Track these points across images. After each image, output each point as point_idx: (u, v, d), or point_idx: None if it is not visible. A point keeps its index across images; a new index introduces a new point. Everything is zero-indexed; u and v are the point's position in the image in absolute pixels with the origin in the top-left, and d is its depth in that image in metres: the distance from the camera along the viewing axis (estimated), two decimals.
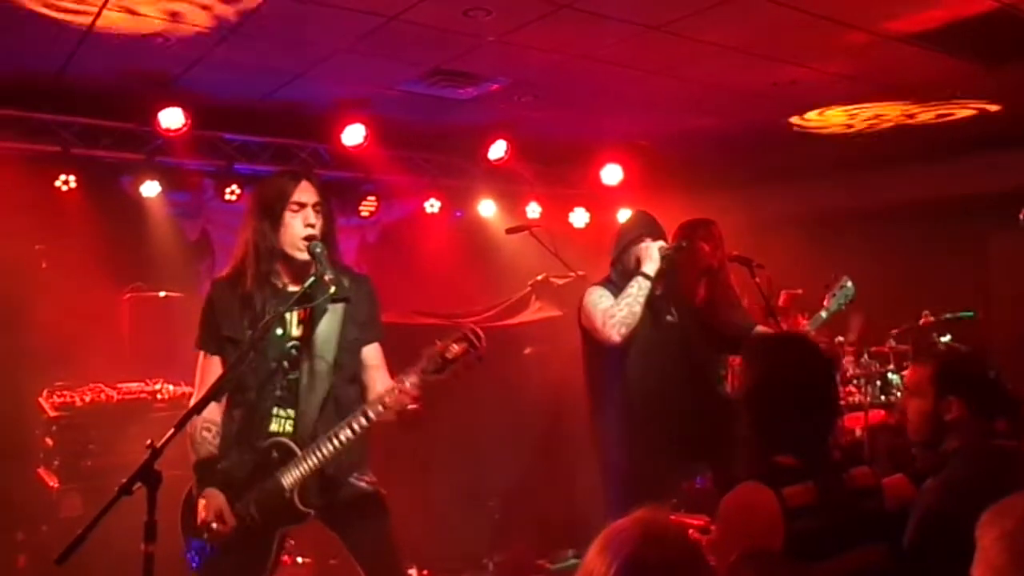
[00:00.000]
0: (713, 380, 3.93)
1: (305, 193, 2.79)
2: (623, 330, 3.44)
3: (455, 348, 2.73)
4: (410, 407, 2.71)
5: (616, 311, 3.46)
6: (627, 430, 3.55)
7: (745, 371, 2.37)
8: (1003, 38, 4.64)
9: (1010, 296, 6.43)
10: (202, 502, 2.71)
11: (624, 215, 3.85)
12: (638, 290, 3.47)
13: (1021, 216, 6.50)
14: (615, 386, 3.59)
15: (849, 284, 3.74)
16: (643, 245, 3.61)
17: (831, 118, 6.13)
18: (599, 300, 3.56)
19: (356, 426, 2.72)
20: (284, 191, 2.78)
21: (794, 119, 6.16)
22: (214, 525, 2.68)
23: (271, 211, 2.78)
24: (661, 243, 3.63)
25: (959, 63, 5.04)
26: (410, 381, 2.72)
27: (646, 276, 3.51)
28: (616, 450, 3.59)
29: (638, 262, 3.59)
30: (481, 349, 2.75)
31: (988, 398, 2.44)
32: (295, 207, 2.77)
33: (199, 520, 2.70)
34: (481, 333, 2.77)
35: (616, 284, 3.63)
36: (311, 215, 2.78)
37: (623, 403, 3.57)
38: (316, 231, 2.79)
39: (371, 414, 2.72)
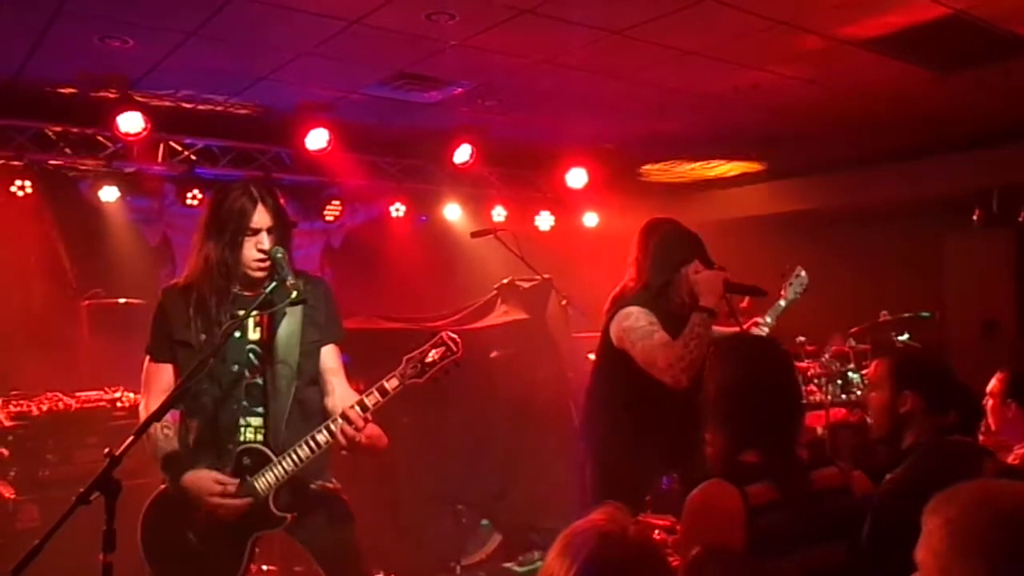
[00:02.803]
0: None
1: (261, 218, 2.76)
2: (692, 372, 3.10)
3: (434, 353, 2.79)
4: (358, 440, 2.69)
5: (685, 353, 3.14)
6: (631, 437, 3.46)
7: (713, 372, 2.39)
8: (954, 45, 4.75)
9: (964, 296, 6.58)
10: (191, 489, 2.65)
11: (660, 227, 3.58)
12: (703, 328, 3.17)
13: (975, 218, 6.71)
14: (631, 399, 3.45)
15: (803, 274, 3.74)
16: (702, 274, 3.32)
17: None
18: (652, 329, 3.28)
19: (334, 429, 2.72)
20: (243, 216, 2.74)
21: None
22: (222, 492, 2.64)
23: (230, 234, 2.76)
24: (724, 275, 3.31)
25: (912, 68, 5.15)
26: (391, 385, 2.75)
27: (711, 313, 3.20)
28: (619, 460, 3.48)
29: (692, 288, 3.32)
30: (459, 353, 2.81)
31: (942, 392, 2.51)
32: (250, 232, 2.76)
33: (207, 502, 2.64)
34: (458, 338, 2.83)
35: (657, 303, 3.38)
36: (264, 240, 2.77)
37: (634, 415, 3.46)
38: (267, 255, 2.78)
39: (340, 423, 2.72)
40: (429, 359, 2.78)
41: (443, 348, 2.79)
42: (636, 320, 3.34)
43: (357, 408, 2.71)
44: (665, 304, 3.40)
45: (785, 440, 2.28)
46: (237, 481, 2.70)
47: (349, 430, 2.67)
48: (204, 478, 2.68)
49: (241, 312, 2.73)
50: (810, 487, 2.23)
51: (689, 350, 3.15)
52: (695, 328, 3.18)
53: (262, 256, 2.75)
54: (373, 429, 2.77)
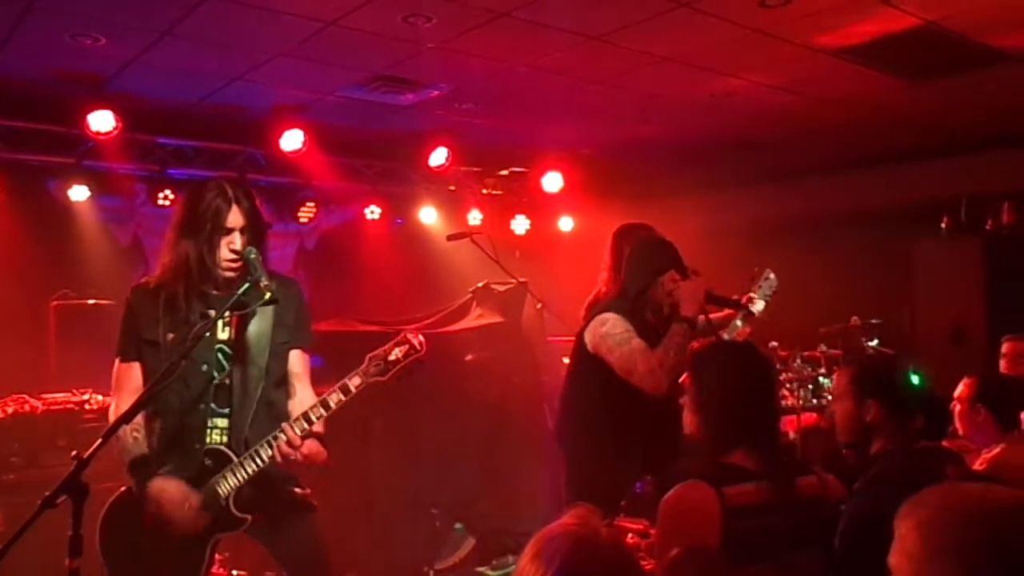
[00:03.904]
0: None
1: (235, 218, 2.75)
2: (672, 377, 3.14)
3: (397, 352, 2.80)
4: (294, 458, 2.68)
5: (666, 359, 3.15)
6: (606, 442, 3.45)
7: (695, 379, 2.40)
8: (926, 55, 4.83)
9: (934, 302, 6.67)
10: (157, 497, 2.62)
11: (635, 234, 3.64)
12: (683, 338, 3.17)
13: (943, 225, 6.81)
14: (606, 405, 3.44)
15: (772, 276, 3.67)
16: (684, 284, 3.32)
17: None
18: (630, 335, 3.28)
19: (298, 431, 2.70)
20: (218, 215, 2.73)
21: None
22: (183, 511, 2.62)
23: (206, 233, 2.74)
24: (705, 285, 3.34)
25: (884, 77, 5.22)
26: (354, 384, 2.75)
27: (690, 323, 3.21)
28: (595, 464, 3.47)
29: (669, 297, 3.34)
30: (422, 351, 2.82)
31: (903, 398, 2.54)
32: (224, 232, 2.75)
33: (166, 512, 2.61)
34: (422, 337, 2.84)
35: (631, 313, 3.38)
36: (236, 240, 2.76)
37: (609, 420, 3.45)
38: (240, 255, 2.77)
39: (305, 423, 2.71)
40: (392, 357, 2.79)
41: (406, 346, 2.81)
42: (613, 327, 3.33)
43: (320, 408, 2.71)
44: (640, 312, 3.41)
45: (770, 443, 2.30)
46: (200, 495, 2.67)
47: (284, 447, 2.66)
48: (170, 488, 2.65)
49: (212, 312, 2.71)
50: (793, 493, 2.25)
51: (669, 357, 3.15)
52: (675, 337, 3.18)
53: (234, 256, 2.75)
54: (311, 446, 2.73)
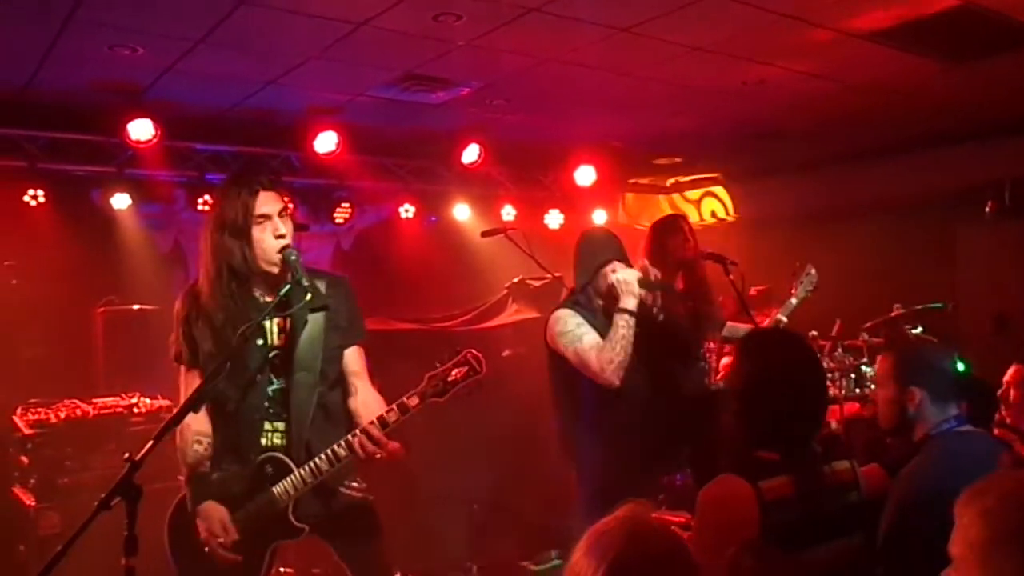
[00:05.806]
0: (693, 373, 3.91)
1: (267, 203, 2.71)
2: (621, 372, 3.28)
3: (456, 372, 2.77)
4: (377, 455, 2.70)
5: (614, 355, 3.27)
6: (606, 443, 3.45)
7: (738, 366, 2.40)
8: (964, 35, 4.72)
9: (977, 288, 6.54)
10: (200, 521, 2.68)
11: (589, 235, 3.76)
12: (627, 329, 3.30)
13: (987, 210, 6.67)
14: (592, 402, 3.45)
15: (813, 272, 3.88)
16: (619, 278, 3.39)
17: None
18: (581, 332, 3.37)
19: (354, 443, 2.72)
20: (247, 207, 2.69)
21: None
22: (220, 540, 2.67)
23: (238, 230, 2.69)
24: (636, 274, 3.43)
25: (922, 60, 5.12)
26: (412, 403, 2.74)
27: (631, 313, 3.32)
28: (595, 462, 3.49)
29: (611, 288, 3.42)
30: (482, 373, 2.79)
31: (947, 385, 2.50)
32: (260, 220, 2.70)
33: (202, 537, 2.67)
34: (482, 358, 2.80)
35: (584, 307, 3.49)
36: (279, 224, 2.73)
37: (601, 417, 3.46)
38: (288, 238, 2.74)
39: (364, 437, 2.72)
40: (451, 378, 2.76)
41: (466, 367, 2.77)
42: (564, 325, 3.41)
43: (377, 424, 2.70)
44: (588, 306, 3.48)
45: (803, 436, 2.28)
46: (237, 531, 2.69)
47: (370, 447, 2.67)
48: (214, 516, 2.68)
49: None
50: (824, 482, 2.24)
51: (616, 352, 3.26)
52: (619, 330, 3.29)
53: (283, 244, 2.70)
54: (394, 444, 2.75)
